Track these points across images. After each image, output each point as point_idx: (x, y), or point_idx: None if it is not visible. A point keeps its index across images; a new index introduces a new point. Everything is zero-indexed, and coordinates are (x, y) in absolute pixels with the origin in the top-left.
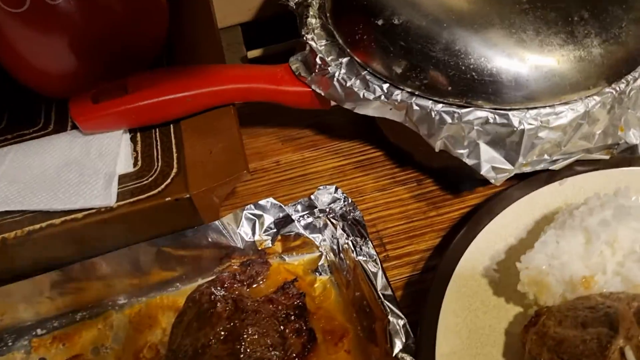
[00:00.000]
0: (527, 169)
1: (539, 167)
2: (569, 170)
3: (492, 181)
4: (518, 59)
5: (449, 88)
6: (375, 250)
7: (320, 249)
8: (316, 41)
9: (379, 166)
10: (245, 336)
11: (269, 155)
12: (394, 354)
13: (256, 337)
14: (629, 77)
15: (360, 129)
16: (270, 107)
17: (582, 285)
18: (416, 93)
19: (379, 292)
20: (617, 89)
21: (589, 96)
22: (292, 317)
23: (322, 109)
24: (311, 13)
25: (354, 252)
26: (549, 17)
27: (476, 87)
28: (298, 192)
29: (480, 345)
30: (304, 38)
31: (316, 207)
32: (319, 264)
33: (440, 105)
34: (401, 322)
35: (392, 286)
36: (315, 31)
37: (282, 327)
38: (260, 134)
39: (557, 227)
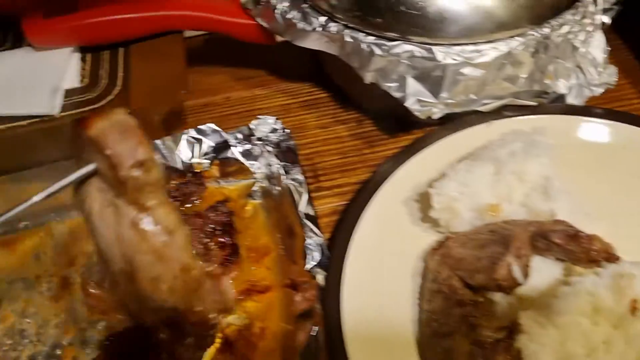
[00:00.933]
0: (457, 110)
1: (467, 108)
2: (498, 114)
3: (417, 114)
4: None
5: (379, 20)
6: (304, 176)
7: (255, 175)
8: None
9: (323, 106)
10: None
11: (221, 91)
12: (308, 269)
13: None
14: (554, 22)
15: (308, 72)
16: (227, 47)
17: (489, 212)
18: (349, 25)
19: (302, 213)
20: (541, 32)
21: (512, 37)
22: (218, 232)
23: (267, 44)
24: None
25: (284, 176)
26: None
27: (405, 20)
28: (244, 125)
29: (391, 266)
30: None
31: (254, 136)
32: (253, 189)
33: (371, 38)
34: (319, 241)
35: (321, 213)
36: None
37: (207, 240)
38: (215, 72)
39: (471, 158)
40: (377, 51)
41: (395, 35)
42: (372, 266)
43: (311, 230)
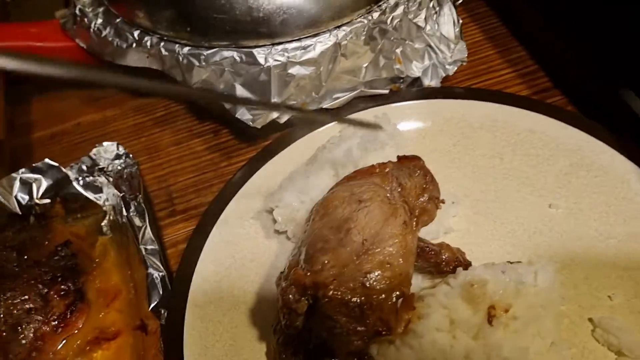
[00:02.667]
0: (301, 112)
1: (315, 106)
2: (351, 108)
3: (251, 124)
4: None
5: (188, 28)
6: (146, 206)
7: (104, 208)
8: None
9: (178, 120)
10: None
11: (71, 117)
12: (149, 308)
13: (14, 301)
14: (384, 5)
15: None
16: None
17: None
18: (164, 38)
19: (142, 247)
20: (369, 17)
21: (338, 27)
22: (59, 279)
23: (95, 64)
24: None
25: (125, 209)
26: None
27: (215, 25)
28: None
29: (241, 294)
30: None
31: (97, 166)
32: (102, 223)
33: (186, 49)
34: (160, 275)
35: (174, 240)
36: None
37: (46, 291)
38: (65, 96)
39: (308, 162)
40: (195, 62)
41: (211, 42)
42: (218, 298)
43: (153, 264)
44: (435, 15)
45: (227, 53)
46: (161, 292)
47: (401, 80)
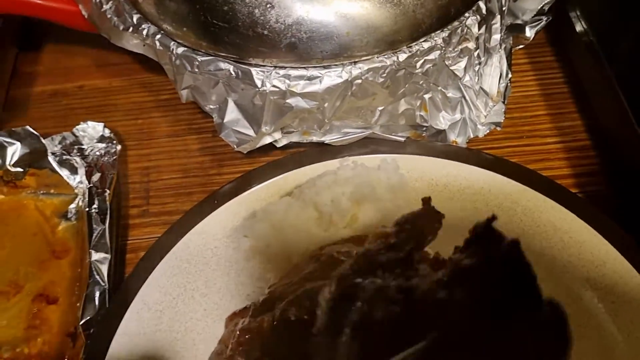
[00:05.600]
0: (301, 139)
1: (318, 137)
2: (358, 148)
3: (235, 147)
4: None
5: (184, 28)
6: (108, 204)
7: (75, 190)
8: None
9: (181, 108)
10: None
11: (75, 77)
12: (79, 323)
13: None
14: (415, 47)
15: None
16: None
17: None
18: (161, 31)
19: (92, 251)
20: (395, 58)
21: (353, 62)
22: None
23: (97, 33)
24: None
25: (88, 203)
26: None
27: (213, 32)
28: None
29: (183, 330)
30: None
31: (78, 144)
32: (70, 207)
33: (181, 49)
34: (101, 289)
35: (138, 245)
36: None
37: None
38: (76, 52)
39: (293, 195)
40: (187, 66)
41: (207, 49)
42: (155, 330)
43: (98, 274)
44: (478, 66)
45: (223, 65)
46: (97, 308)
47: (424, 129)
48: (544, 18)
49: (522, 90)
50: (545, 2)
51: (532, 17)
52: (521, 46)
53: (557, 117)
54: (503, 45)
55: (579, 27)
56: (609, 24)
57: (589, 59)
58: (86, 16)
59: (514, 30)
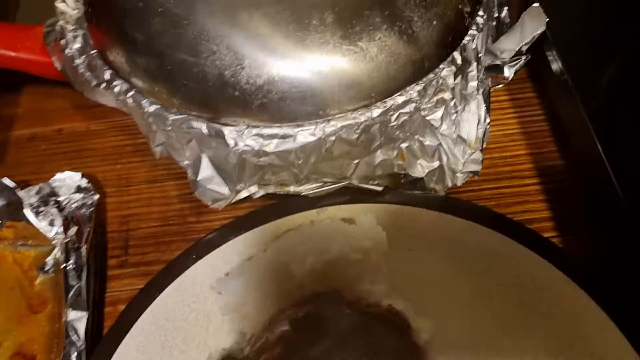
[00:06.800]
0: (285, 189)
1: (295, 187)
2: (334, 197)
3: (210, 204)
4: (231, 61)
5: (156, 88)
6: (87, 260)
7: (53, 242)
8: (68, 2)
9: None
10: None
11: (54, 121)
12: None
13: None
14: (389, 102)
15: None
16: None
17: None
18: (134, 88)
19: (69, 310)
20: (368, 114)
21: (326, 120)
22: None
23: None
24: None
25: (65, 258)
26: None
27: (184, 92)
28: (67, 169)
29: None
30: None
31: (55, 196)
32: (47, 259)
33: (154, 107)
34: (78, 350)
35: (117, 297)
36: None
37: None
38: (54, 94)
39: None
40: (160, 125)
41: (179, 107)
42: None
43: (75, 334)
44: (455, 114)
45: (195, 124)
46: None
47: (402, 176)
48: (523, 57)
49: (502, 129)
50: (524, 42)
51: (511, 57)
52: (500, 85)
53: (537, 156)
54: (481, 90)
55: (554, 66)
56: (583, 64)
57: (565, 98)
58: (59, 69)
59: (493, 70)
